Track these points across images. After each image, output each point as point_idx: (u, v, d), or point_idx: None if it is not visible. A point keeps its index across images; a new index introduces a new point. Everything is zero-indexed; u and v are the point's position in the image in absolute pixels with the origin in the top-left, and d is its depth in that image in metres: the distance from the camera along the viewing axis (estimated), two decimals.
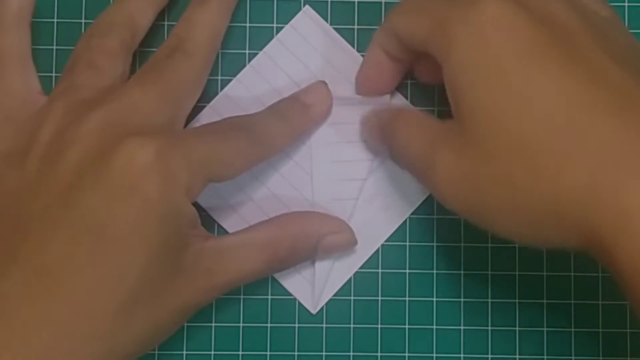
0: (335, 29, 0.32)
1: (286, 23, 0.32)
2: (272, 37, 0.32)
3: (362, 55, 0.31)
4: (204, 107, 0.31)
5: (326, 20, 0.32)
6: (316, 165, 0.31)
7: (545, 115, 0.22)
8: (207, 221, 0.31)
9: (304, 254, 0.29)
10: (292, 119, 0.30)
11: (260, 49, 0.32)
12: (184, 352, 0.31)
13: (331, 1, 0.32)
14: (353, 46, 0.32)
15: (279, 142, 0.29)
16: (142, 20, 0.29)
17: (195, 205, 0.30)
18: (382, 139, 0.29)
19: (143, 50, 0.31)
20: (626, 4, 0.32)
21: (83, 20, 0.32)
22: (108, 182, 0.24)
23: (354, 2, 0.32)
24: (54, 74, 0.31)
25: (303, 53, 0.32)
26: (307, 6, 0.32)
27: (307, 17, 0.32)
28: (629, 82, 0.22)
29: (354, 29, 0.32)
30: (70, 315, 0.23)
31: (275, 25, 0.32)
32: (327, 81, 0.31)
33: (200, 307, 0.27)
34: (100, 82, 0.27)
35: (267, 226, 0.28)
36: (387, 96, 0.31)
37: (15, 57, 0.28)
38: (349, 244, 0.30)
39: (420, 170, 0.26)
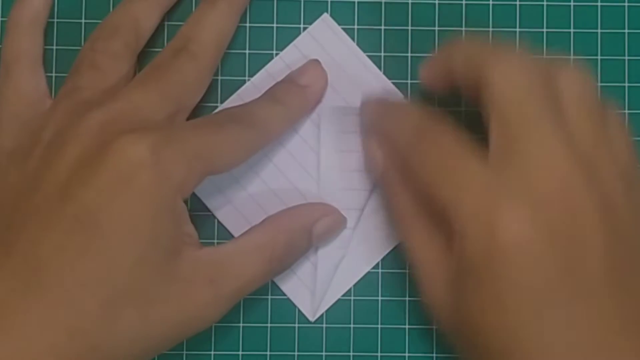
0: (343, 29, 0.32)
1: (286, 23, 0.32)
2: (272, 38, 0.32)
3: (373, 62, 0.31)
4: (214, 107, 0.31)
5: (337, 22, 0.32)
6: (324, 173, 0.31)
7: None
8: (207, 223, 0.31)
9: (301, 248, 0.29)
10: (289, 102, 0.29)
11: (261, 49, 0.32)
12: (184, 352, 0.31)
13: (331, 1, 0.32)
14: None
15: (276, 127, 0.29)
16: (147, 23, 0.30)
17: (199, 207, 0.30)
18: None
19: (144, 50, 0.30)
20: (626, 4, 0.32)
21: (83, 20, 0.32)
22: (102, 177, 0.24)
23: (354, 2, 0.32)
24: (54, 74, 0.31)
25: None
26: (325, 14, 0.32)
27: (325, 24, 0.32)
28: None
29: (354, 28, 0.32)
30: (56, 308, 0.23)
31: (275, 25, 0.32)
32: (338, 87, 0.31)
33: (207, 323, 0.26)
34: (103, 84, 0.28)
35: (260, 229, 0.28)
36: None
37: (27, 59, 0.29)
38: (339, 225, 0.30)
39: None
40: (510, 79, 0.24)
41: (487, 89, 0.25)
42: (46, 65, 0.31)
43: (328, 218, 0.30)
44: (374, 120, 0.30)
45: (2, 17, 0.32)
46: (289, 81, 0.30)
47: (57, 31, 0.32)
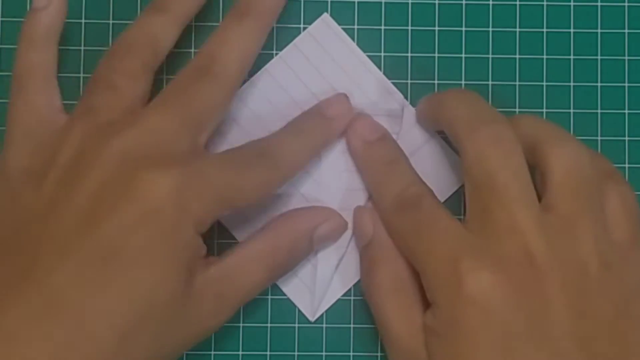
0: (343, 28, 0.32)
1: (286, 23, 0.32)
2: (272, 38, 0.32)
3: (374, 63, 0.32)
4: None
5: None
6: (325, 174, 0.31)
7: None
8: None
9: (302, 253, 0.29)
10: (314, 134, 0.29)
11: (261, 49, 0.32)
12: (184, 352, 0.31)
13: (331, 1, 0.32)
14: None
15: (301, 161, 0.29)
16: (165, 40, 0.28)
17: None
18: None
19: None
20: (626, 4, 0.32)
21: (83, 20, 0.32)
22: (125, 211, 0.24)
23: (354, 2, 0.32)
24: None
25: (319, 60, 0.32)
26: (325, 14, 0.32)
27: (325, 24, 0.32)
28: None
29: (354, 28, 0.32)
30: (72, 338, 0.23)
31: (275, 25, 0.32)
32: (338, 87, 0.31)
33: (209, 333, 0.27)
34: (120, 104, 0.27)
35: (262, 236, 0.28)
36: (399, 108, 0.31)
37: (40, 74, 0.28)
38: (341, 229, 0.30)
39: None
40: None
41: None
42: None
43: (329, 222, 0.30)
44: (364, 171, 0.30)
45: (2, 17, 0.32)
46: (316, 113, 0.30)
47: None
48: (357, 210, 0.30)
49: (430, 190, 0.28)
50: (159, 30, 0.28)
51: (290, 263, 0.29)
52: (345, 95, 0.31)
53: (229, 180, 0.26)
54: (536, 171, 0.26)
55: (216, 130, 0.31)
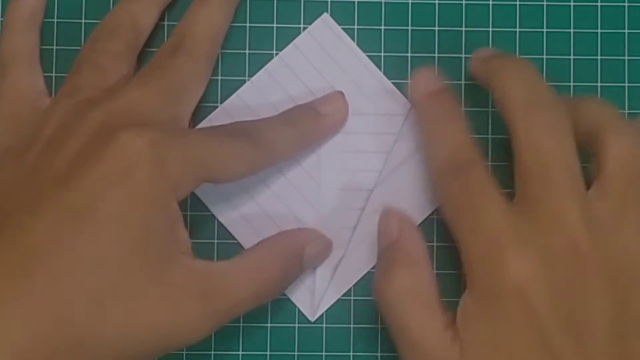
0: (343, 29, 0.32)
1: (286, 23, 0.32)
2: (272, 38, 0.32)
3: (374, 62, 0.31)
4: (214, 107, 0.31)
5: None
6: (325, 174, 0.31)
7: None
8: (207, 224, 0.31)
9: (295, 272, 0.29)
10: (303, 126, 0.29)
11: (261, 49, 0.32)
12: (184, 352, 0.31)
13: (331, 1, 0.32)
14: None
15: (285, 150, 0.29)
16: (146, 20, 0.30)
17: (200, 207, 0.30)
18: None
19: (144, 50, 0.31)
20: (626, 4, 0.32)
21: (83, 20, 0.32)
22: (100, 167, 0.24)
23: (354, 2, 0.32)
24: (54, 74, 0.31)
25: (318, 60, 0.32)
26: (325, 14, 0.32)
27: (325, 24, 0.32)
28: None
29: (354, 28, 0.32)
30: (43, 296, 0.23)
31: (275, 25, 0.32)
32: (338, 87, 0.31)
33: (194, 338, 0.25)
34: (104, 83, 0.28)
35: (256, 250, 0.28)
36: (400, 107, 0.31)
37: (24, 57, 0.30)
38: (328, 249, 0.30)
39: None
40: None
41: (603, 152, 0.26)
42: (46, 65, 0.31)
43: (318, 241, 0.30)
44: (421, 123, 0.30)
45: (1, 17, 0.32)
46: (308, 106, 0.30)
47: (57, 31, 0.32)
48: (385, 211, 0.29)
49: (483, 157, 0.27)
50: (140, 12, 0.30)
51: (283, 281, 0.28)
52: (342, 93, 0.31)
53: (207, 146, 0.26)
54: (592, 156, 0.26)
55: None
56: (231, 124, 0.28)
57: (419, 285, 0.26)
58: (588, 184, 0.26)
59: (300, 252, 0.29)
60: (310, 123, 0.30)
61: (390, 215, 0.29)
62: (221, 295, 0.26)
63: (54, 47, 0.32)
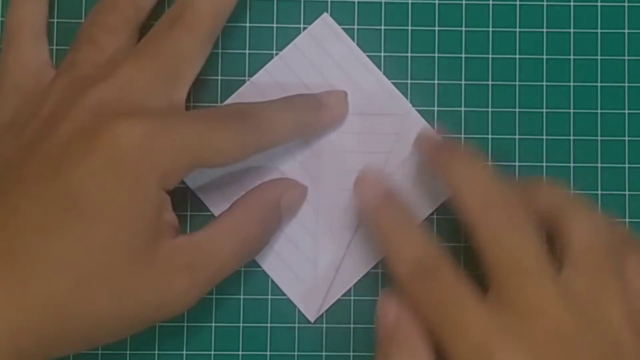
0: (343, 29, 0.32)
1: (286, 23, 0.32)
2: (272, 38, 0.32)
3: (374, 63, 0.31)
4: (214, 107, 0.31)
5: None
6: (325, 174, 0.31)
7: None
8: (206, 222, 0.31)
9: (274, 223, 0.29)
10: (302, 111, 0.29)
11: (261, 49, 0.32)
12: (184, 352, 0.31)
13: (331, 1, 0.32)
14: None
15: (281, 132, 0.28)
16: None
17: (199, 207, 0.30)
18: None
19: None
20: (626, 4, 0.32)
21: (83, 21, 0.32)
22: (91, 158, 0.24)
23: (354, 2, 0.32)
24: (55, 47, 0.31)
25: (318, 60, 0.32)
26: (325, 14, 0.32)
27: (325, 24, 0.32)
28: None
29: (354, 28, 0.32)
30: (28, 278, 0.23)
31: (275, 25, 0.32)
32: (338, 87, 0.31)
33: (183, 308, 0.26)
34: (101, 58, 0.27)
35: (232, 212, 0.28)
36: (400, 107, 0.31)
37: (30, 29, 0.29)
38: (304, 196, 0.31)
39: None
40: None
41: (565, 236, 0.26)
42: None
43: (293, 191, 0.30)
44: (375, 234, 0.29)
45: (1, 16, 0.32)
46: (311, 95, 0.30)
47: (57, 31, 0.32)
48: (382, 299, 0.27)
49: (445, 255, 0.26)
50: None
51: (264, 236, 0.29)
52: (345, 93, 0.31)
53: (202, 135, 0.26)
54: (556, 237, 0.26)
55: None
56: (228, 105, 0.28)
57: None
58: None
59: (276, 204, 0.29)
60: (309, 109, 0.30)
61: (388, 301, 0.27)
62: (206, 264, 0.26)
63: (54, 47, 0.31)
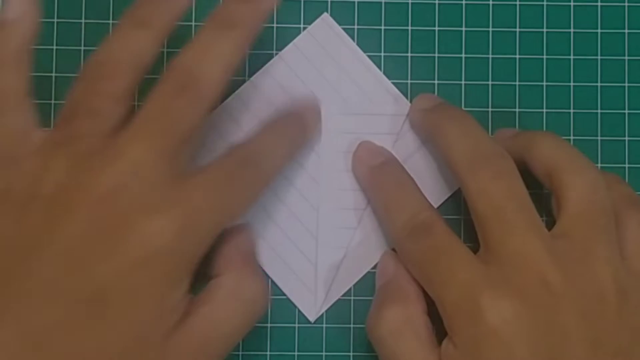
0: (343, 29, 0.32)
1: (286, 23, 0.32)
2: (272, 38, 0.32)
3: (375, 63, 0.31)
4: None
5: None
6: (325, 174, 0.31)
7: None
8: None
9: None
10: (293, 137, 0.29)
11: (261, 49, 0.32)
12: None
13: (331, 1, 0.32)
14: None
15: (280, 163, 0.28)
16: (149, 57, 0.26)
17: None
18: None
19: None
20: (626, 4, 0.32)
21: (83, 20, 0.32)
22: (119, 257, 0.23)
23: (354, 2, 0.32)
24: (53, 74, 0.31)
25: (319, 60, 0.32)
26: (325, 14, 0.32)
27: (325, 24, 0.32)
28: None
29: (354, 28, 0.32)
30: None
31: (275, 25, 0.32)
32: (338, 87, 0.31)
33: None
34: (103, 129, 0.25)
35: (227, 273, 0.27)
36: (400, 107, 0.31)
37: (13, 95, 0.26)
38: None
39: None
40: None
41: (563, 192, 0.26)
42: (45, 65, 0.31)
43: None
44: (372, 197, 0.30)
45: None
46: (294, 116, 0.30)
47: (57, 31, 0.32)
48: (384, 254, 0.30)
49: (440, 216, 0.28)
50: (143, 47, 0.26)
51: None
52: (316, 99, 0.31)
53: (219, 204, 0.25)
54: (552, 195, 0.27)
55: (215, 130, 0.31)
56: (227, 158, 0.26)
57: (411, 320, 0.27)
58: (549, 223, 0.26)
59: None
60: (299, 132, 0.30)
61: (388, 256, 0.29)
62: (216, 342, 0.25)
63: (54, 47, 0.32)
